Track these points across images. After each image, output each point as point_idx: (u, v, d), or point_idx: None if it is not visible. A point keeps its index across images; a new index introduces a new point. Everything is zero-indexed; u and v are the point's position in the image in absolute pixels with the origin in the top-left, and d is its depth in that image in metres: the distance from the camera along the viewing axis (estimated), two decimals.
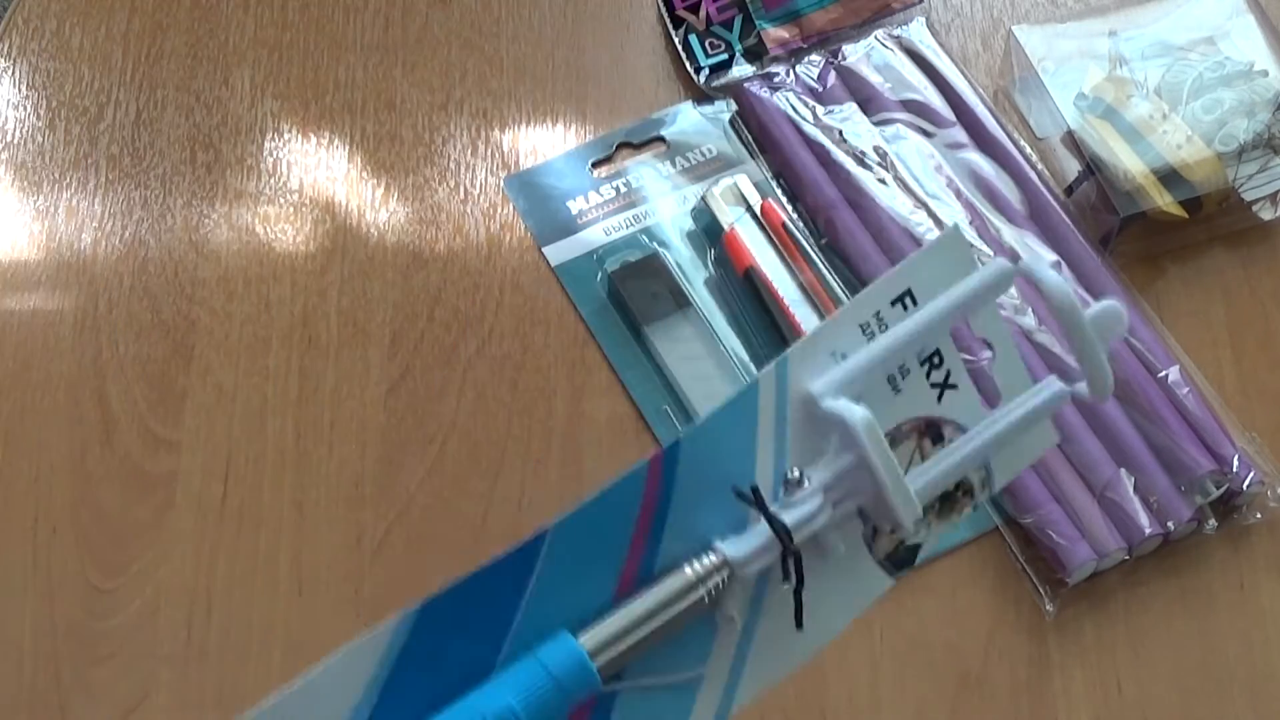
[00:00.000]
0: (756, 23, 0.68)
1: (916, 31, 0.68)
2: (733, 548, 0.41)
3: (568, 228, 0.64)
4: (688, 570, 0.41)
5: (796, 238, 0.62)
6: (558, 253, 0.64)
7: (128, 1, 0.71)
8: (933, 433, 0.44)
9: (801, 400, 0.43)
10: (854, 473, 0.42)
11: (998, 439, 0.43)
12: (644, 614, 0.41)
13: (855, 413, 0.41)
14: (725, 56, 0.68)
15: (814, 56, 0.67)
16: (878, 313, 0.44)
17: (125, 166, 0.67)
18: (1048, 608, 0.54)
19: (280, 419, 0.60)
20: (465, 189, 0.66)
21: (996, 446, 0.44)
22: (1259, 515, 0.56)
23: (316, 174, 0.66)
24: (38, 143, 0.67)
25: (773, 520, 0.41)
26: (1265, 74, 0.64)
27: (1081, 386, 0.42)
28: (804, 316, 0.60)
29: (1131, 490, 0.55)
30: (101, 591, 0.56)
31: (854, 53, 0.67)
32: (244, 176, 0.66)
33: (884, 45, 0.68)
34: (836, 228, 0.63)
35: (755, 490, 0.41)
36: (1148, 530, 0.54)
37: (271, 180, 0.66)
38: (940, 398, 0.45)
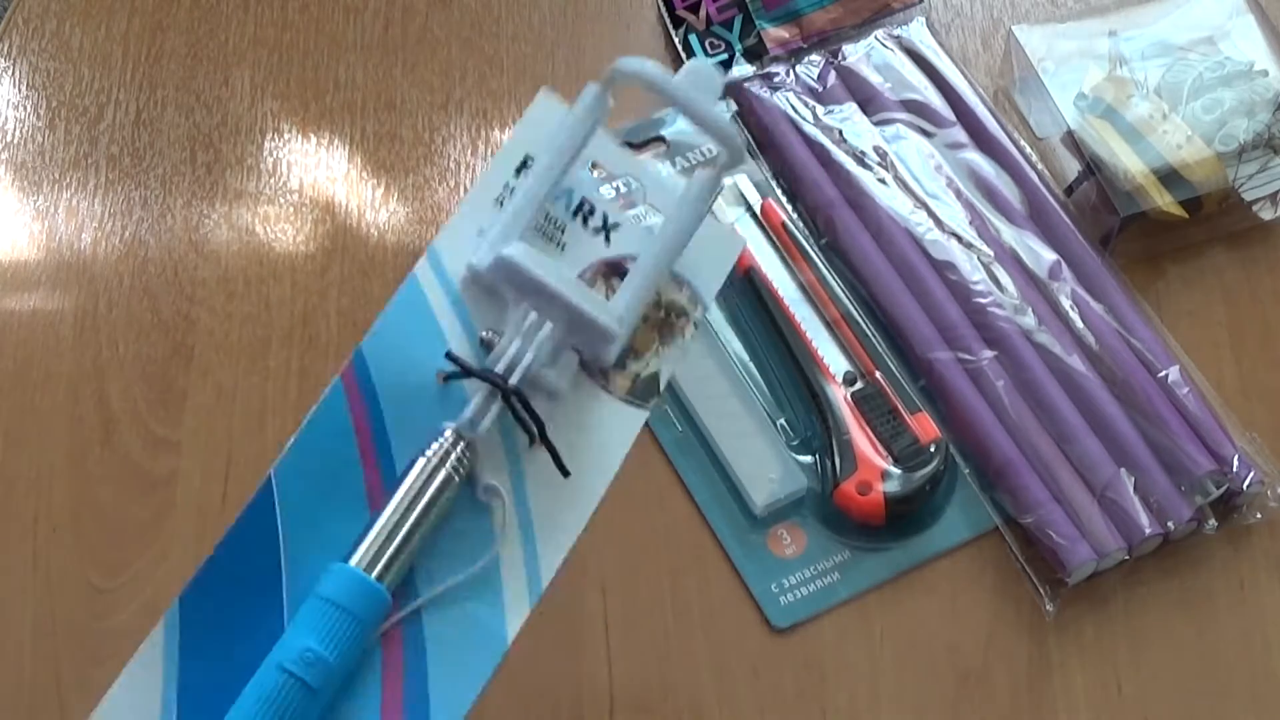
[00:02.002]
0: (756, 23, 0.68)
1: (916, 31, 0.68)
2: (458, 419, 0.44)
3: None
4: (421, 459, 0.43)
5: (796, 237, 0.62)
6: None
7: (128, 1, 0.71)
8: (618, 272, 0.47)
9: (467, 279, 0.46)
10: (539, 303, 0.45)
11: (669, 243, 0.47)
12: (398, 511, 0.43)
13: (511, 248, 0.45)
14: (725, 56, 0.68)
15: (814, 56, 0.67)
16: (506, 184, 0.48)
17: (125, 166, 0.67)
18: (1048, 608, 0.54)
19: (280, 419, 0.60)
20: (465, 189, 0.66)
21: (673, 249, 0.47)
22: (1259, 515, 0.56)
23: (316, 174, 0.66)
24: (38, 143, 0.67)
25: (477, 372, 0.44)
26: (1265, 74, 0.64)
27: (722, 155, 0.47)
28: (804, 316, 0.60)
29: (1131, 490, 0.55)
30: (101, 591, 0.56)
31: (854, 53, 0.67)
32: (244, 176, 0.66)
33: (884, 45, 0.68)
34: (836, 227, 0.63)
35: (450, 354, 0.44)
36: (1148, 530, 0.54)
37: (271, 180, 0.66)
38: (608, 240, 0.48)
